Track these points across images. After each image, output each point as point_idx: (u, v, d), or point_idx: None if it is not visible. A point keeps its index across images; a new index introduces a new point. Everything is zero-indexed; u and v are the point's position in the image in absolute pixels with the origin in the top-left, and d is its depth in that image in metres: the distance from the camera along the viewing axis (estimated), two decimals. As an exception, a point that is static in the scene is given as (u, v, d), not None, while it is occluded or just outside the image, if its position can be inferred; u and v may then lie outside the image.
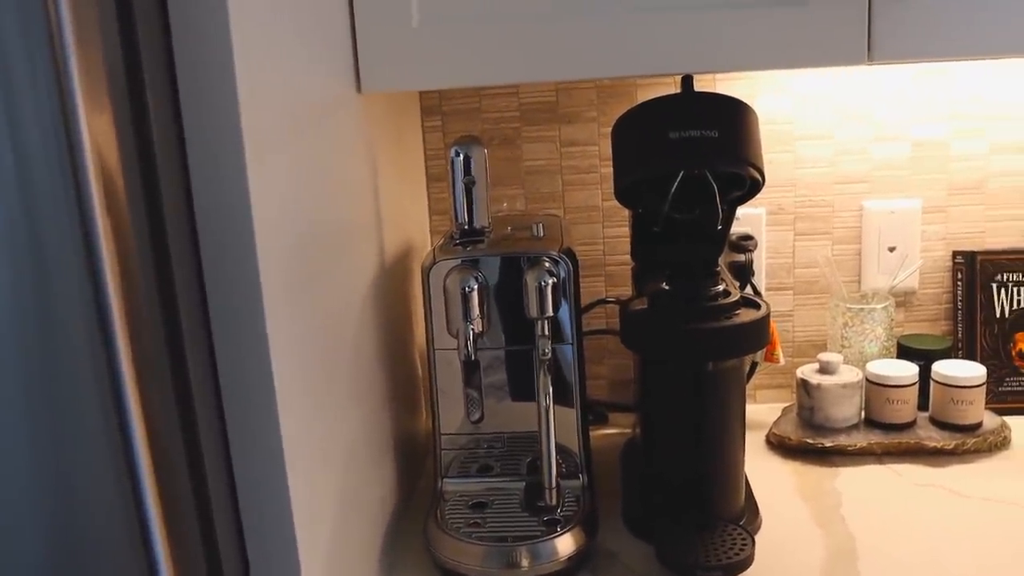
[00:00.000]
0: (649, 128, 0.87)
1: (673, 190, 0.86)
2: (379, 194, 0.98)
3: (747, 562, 0.85)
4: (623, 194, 0.92)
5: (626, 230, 1.25)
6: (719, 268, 0.94)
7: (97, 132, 0.50)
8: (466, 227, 0.97)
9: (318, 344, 0.73)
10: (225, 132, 0.58)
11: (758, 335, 0.87)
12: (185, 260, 0.59)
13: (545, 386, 0.87)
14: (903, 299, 1.26)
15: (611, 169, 1.22)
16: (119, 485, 0.55)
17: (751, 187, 0.90)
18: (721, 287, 0.90)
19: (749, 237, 1.21)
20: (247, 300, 0.61)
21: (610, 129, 1.21)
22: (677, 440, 0.93)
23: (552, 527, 0.89)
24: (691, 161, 0.84)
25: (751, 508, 0.98)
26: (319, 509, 0.72)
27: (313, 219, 0.73)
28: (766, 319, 0.88)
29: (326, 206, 0.77)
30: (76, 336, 0.53)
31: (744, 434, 0.95)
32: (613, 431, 1.24)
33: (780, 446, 1.15)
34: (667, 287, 0.91)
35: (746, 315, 0.88)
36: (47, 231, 0.51)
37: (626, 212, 1.24)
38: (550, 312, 0.89)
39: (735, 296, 0.89)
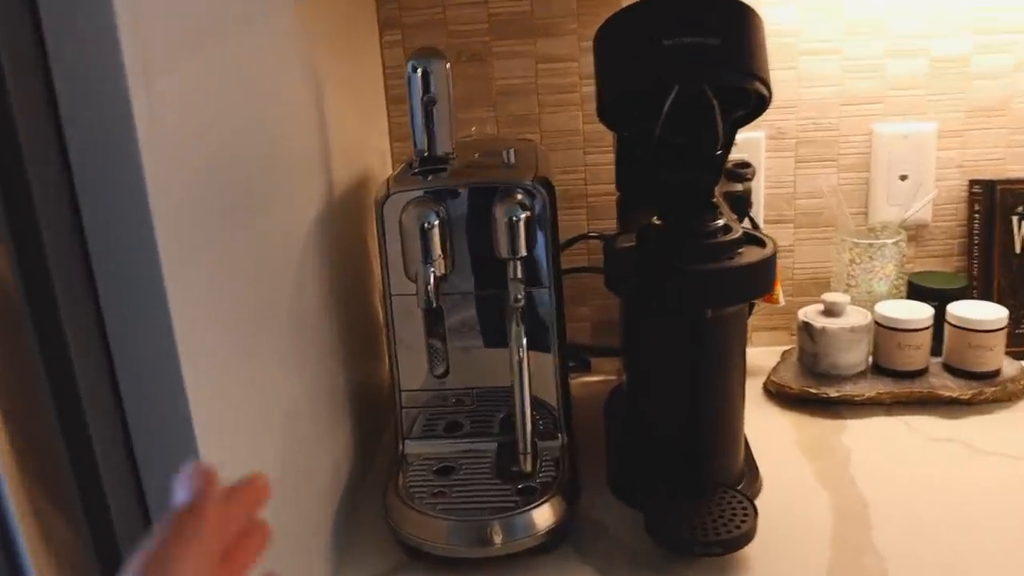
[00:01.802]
0: (639, 34, 0.74)
1: (667, 108, 0.73)
2: (326, 118, 0.84)
3: (749, 535, 0.75)
4: (607, 113, 0.79)
5: (611, 156, 1.12)
6: (717, 199, 0.82)
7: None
8: (426, 154, 0.84)
9: (243, 295, 0.60)
10: (98, 37, 0.45)
11: (764, 277, 0.76)
12: (55, 204, 0.46)
13: (518, 336, 0.75)
14: (914, 233, 1.14)
15: (592, 88, 1.09)
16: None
17: (757, 105, 0.77)
18: (721, 221, 0.78)
19: (747, 164, 1.08)
20: (138, 248, 0.48)
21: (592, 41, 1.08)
22: (670, 396, 0.82)
23: (528, 496, 0.78)
24: (689, 73, 0.71)
25: (750, 469, 0.88)
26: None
27: (233, 149, 0.60)
28: (773, 259, 0.76)
29: (252, 134, 0.64)
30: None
31: (744, 389, 0.84)
32: (596, 379, 1.13)
33: (779, 395, 1.04)
34: (658, 221, 0.79)
35: (750, 254, 0.76)
36: None
37: (611, 135, 1.11)
38: (523, 251, 0.77)
39: (737, 232, 0.77)
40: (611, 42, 0.77)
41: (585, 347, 1.17)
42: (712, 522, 0.76)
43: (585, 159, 1.13)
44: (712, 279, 0.74)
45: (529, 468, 0.78)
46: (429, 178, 0.81)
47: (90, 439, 0.49)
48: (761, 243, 0.78)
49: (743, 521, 0.75)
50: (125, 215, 0.47)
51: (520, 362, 0.75)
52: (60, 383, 0.47)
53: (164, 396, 0.51)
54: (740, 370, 0.83)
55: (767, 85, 0.74)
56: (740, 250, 0.77)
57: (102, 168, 0.46)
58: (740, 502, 0.79)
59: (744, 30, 0.74)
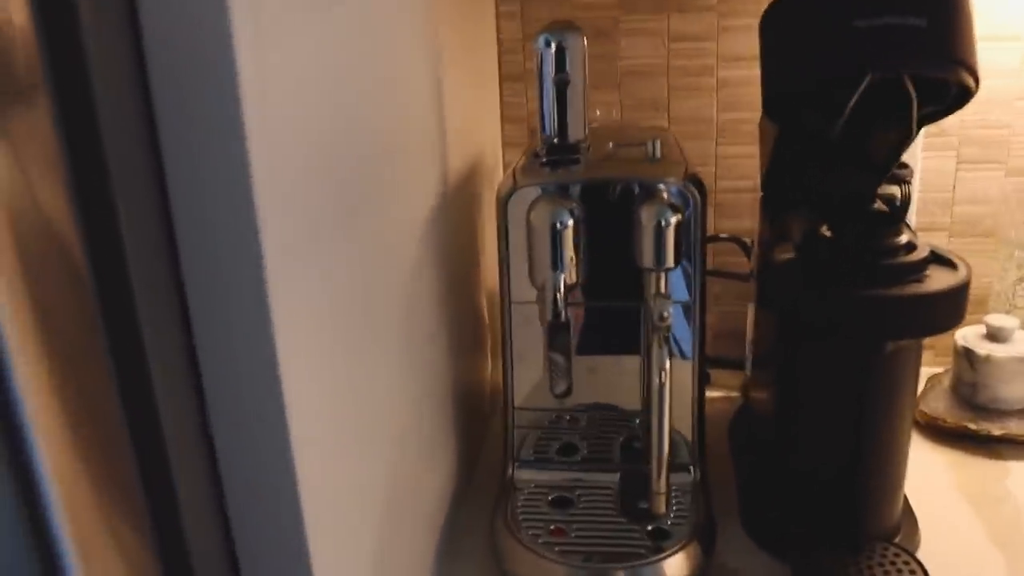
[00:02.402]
0: (824, 13, 0.62)
1: (855, 100, 0.61)
2: (443, 98, 0.75)
3: (921, 607, 0.64)
4: (776, 105, 0.68)
5: (744, 148, 1.01)
6: (892, 210, 0.70)
7: None
8: (556, 142, 0.74)
9: (352, 300, 0.51)
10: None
11: (957, 307, 0.64)
12: (140, 194, 0.37)
13: (660, 360, 0.65)
14: (1089, 248, 1.00)
15: (733, 72, 0.98)
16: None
17: (957, 98, 0.65)
18: (905, 237, 0.66)
19: (904, 166, 0.95)
20: (238, 245, 0.39)
21: (736, 21, 0.97)
22: (828, 432, 0.71)
23: (659, 540, 0.68)
24: (888, 59, 0.60)
25: (908, 519, 0.76)
26: (360, 516, 0.52)
27: (348, 133, 0.50)
28: (967, 285, 0.65)
29: (368, 116, 0.54)
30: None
31: (911, 429, 0.73)
32: (717, 394, 1.02)
33: (930, 428, 0.92)
34: (828, 232, 0.68)
35: (940, 278, 0.65)
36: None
37: (749, 129, 1.00)
38: (670, 263, 0.66)
39: (924, 251, 0.66)
40: (787, 22, 0.65)
41: (706, 358, 1.06)
42: (876, 587, 0.65)
43: (717, 151, 1.01)
44: (897, 307, 0.63)
45: (663, 510, 0.68)
46: (560, 170, 0.71)
47: (169, 460, 0.41)
48: (950, 264, 0.67)
49: (914, 588, 0.64)
50: (224, 206, 0.38)
51: (662, 389, 0.65)
52: (137, 395, 0.38)
53: (259, 412, 0.42)
54: (910, 408, 0.72)
55: (976, 76, 0.62)
56: (927, 272, 0.65)
57: (200, 153, 0.37)
58: (906, 562, 0.68)
59: (953, 8, 0.62)
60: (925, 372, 1.01)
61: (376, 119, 0.56)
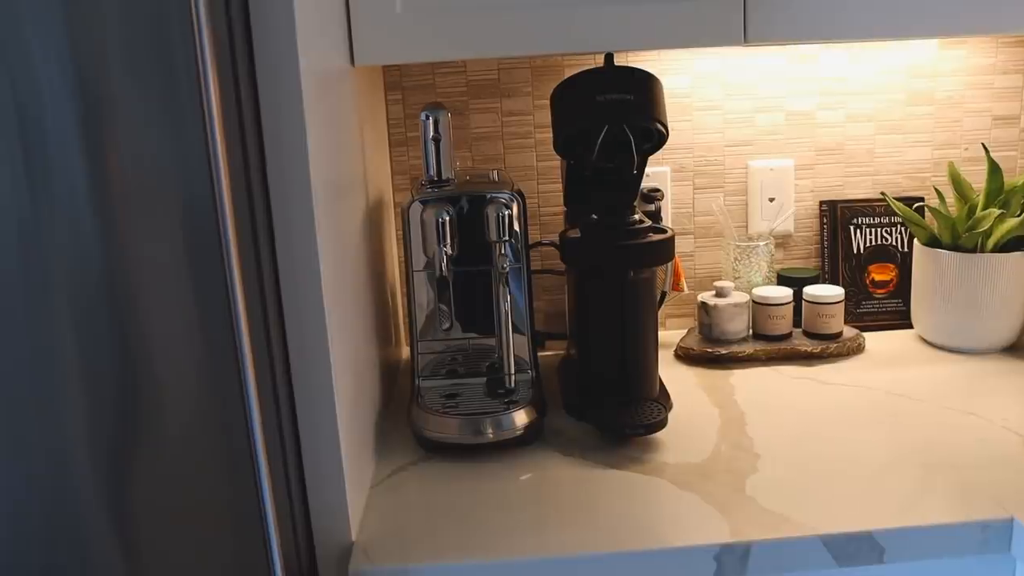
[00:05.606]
0: (580, 93, 1.13)
1: (599, 141, 1.11)
2: (364, 153, 1.20)
3: (663, 423, 1.11)
4: (560, 147, 1.17)
5: (556, 186, 1.51)
6: (635, 205, 1.20)
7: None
8: (435, 178, 1.20)
9: (340, 264, 0.95)
10: (287, 79, 0.80)
11: (665, 250, 1.14)
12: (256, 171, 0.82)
13: (504, 294, 1.11)
14: (782, 241, 1.54)
15: (544, 134, 1.49)
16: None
17: (658, 140, 1.16)
18: (637, 216, 1.16)
19: (657, 190, 1.47)
20: (302, 213, 0.83)
21: (543, 101, 1.47)
22: (607, 337, 1.19)
23: (511, 405, 1.14)
24: (613, 117, 1.10)
25: (664, 396, 1.24)
26: (343, 372, 0.95)
27: (334, 159, 0.95)
28: (671, 239, 1.15)
29: (339, 152, 1.00)
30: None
31: (657, 331, 1.22)
32: (549, 353, 1.49)
33: (686, 357, 1.42)
34: (595, 217, 1.17)
35: (656, 236, 1.14)
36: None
37: (556, 171, 1.50)
38: (507, 236, 1.13)
39: (647, 223, 1.16)
40: (562, 98, 1.15)
41: (541, 332, 1.53)
42: (639, 416, 1.12)
43: (538, 188, 1.51)
44: (631, 250, 1.12)
45: (512, 386, 1.14)
46: (438, 191, 1.18)
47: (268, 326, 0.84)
48: (664, 231, 1.17)
49: (659, 414, 1.12)
50: (295, 193, 0.82)
51: (506, 312, 1.11)
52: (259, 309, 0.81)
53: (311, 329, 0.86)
54: (653, 318, 1.20)
55: (665, 126, 1.13)
56: (649, 234, 1.15)
57: (288, 173, 0.82)
58: (657, 406, 1.15)
59: (649, 89, 1.13)
60: (684, 325, 1.51)
61: (343, 155, 1.01)
